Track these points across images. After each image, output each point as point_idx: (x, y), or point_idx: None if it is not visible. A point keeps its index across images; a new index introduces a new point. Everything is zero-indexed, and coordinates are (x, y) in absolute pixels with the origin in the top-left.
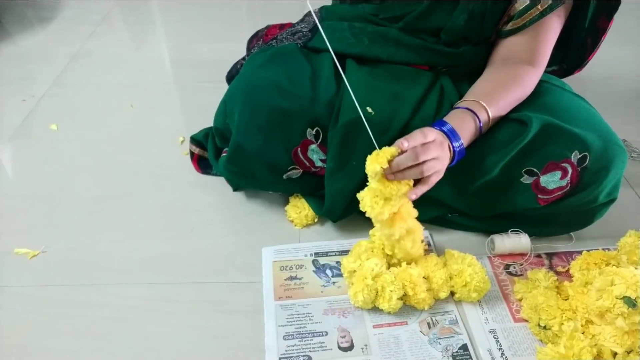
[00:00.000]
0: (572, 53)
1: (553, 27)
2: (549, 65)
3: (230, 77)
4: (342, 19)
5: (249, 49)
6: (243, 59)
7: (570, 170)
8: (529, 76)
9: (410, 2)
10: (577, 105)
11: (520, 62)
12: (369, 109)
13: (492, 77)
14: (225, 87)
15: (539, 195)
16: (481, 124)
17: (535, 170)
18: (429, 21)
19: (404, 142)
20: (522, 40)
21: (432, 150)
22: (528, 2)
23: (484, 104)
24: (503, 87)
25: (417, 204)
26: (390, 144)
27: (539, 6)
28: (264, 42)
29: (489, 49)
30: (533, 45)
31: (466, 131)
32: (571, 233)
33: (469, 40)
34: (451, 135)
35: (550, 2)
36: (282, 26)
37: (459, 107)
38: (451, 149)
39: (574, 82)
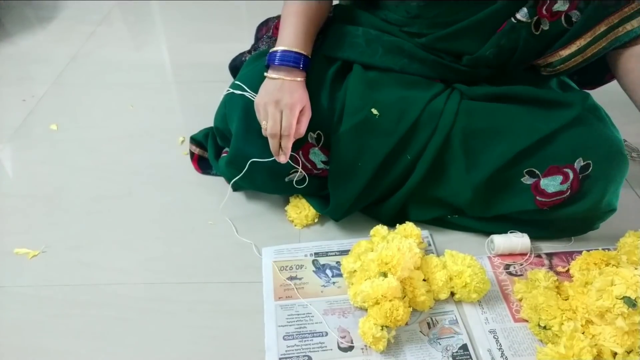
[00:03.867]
0: (589, 70)
1: None
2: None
3: (233, 67)
4: (357, 24)
5: (257, 37)
6: (249, 52)
7: (571, 176)
8: None
9: (438, 23)
10: (590, 111)
11: None
12: (374, 111)
13: None
14: (225, 86)
15: (537, 197)
16: None
17: (536, 171)
18: (454, 45)
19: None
20: None
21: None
22: (572, 50)
23: None
24: None
25: (417, 204)
26: (396, 145)
27: (583, 54)
28: (273, 35)
29: (504, 68)
30: None
31: None
32: None
33: (490, 66)
34: None
35: (595, 50)
36: None
37: None
38: None
39: None
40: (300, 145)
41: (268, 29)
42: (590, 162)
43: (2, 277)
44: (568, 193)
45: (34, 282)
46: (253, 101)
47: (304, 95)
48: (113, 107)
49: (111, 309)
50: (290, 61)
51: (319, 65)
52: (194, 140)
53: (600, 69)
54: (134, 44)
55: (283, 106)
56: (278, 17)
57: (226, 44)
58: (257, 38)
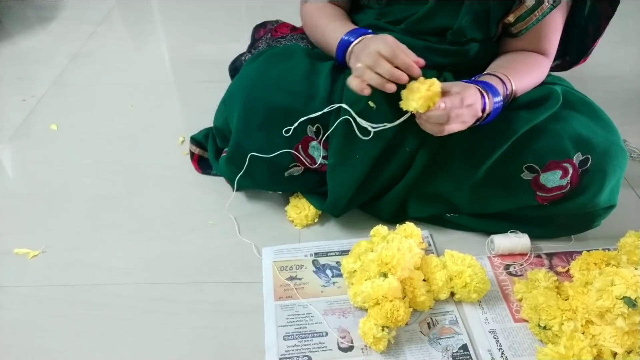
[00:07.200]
0: (574, 44)
1: (557, 21)
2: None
3: (233, 68)
4: None
5: (255, 38)
6: (249, 51)
7: (571, 170)
8: (544, 63)
9: (411, 5)
10: (585, 107)
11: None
12: (371, 103)
13: (509, 58)
14: (225, 86)
15: (538, 193)
16: (507, 93)
17: (536, 167)
18: (432, 23)
19: (441, 104)
20: (529, 38)
21: (464, 116)
22: (533, 2)
23: (508, 77)
24: (523, 67)
25: (417, 199)
26: (393, 137)
27: (536, 12)
28: (273, 37)
29: (494, 45)
30: (541, 41)
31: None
32: None
33: (475, 39)
34: (490, 91)
35: (549, 4)
36: (294, 29)
37: (486, 74)
38: (490, 105)
39: (573, 81)
40: (299, 138)
41: (267, 31)
42: (589, 156)
43: (2, 277)
44: (568, 187)
45: (34, 282)
46: (254, 94)
47: (384, 35)
48: (113, 107)
49: (111, 309)
50: (356, 33)
51: (318, 59)
52: (194, 140)
53: (583, 37)
54: (134, 44)
55: (371, 52)
56: (277, 23)
57: (226, 44)
58: (255, 39)
